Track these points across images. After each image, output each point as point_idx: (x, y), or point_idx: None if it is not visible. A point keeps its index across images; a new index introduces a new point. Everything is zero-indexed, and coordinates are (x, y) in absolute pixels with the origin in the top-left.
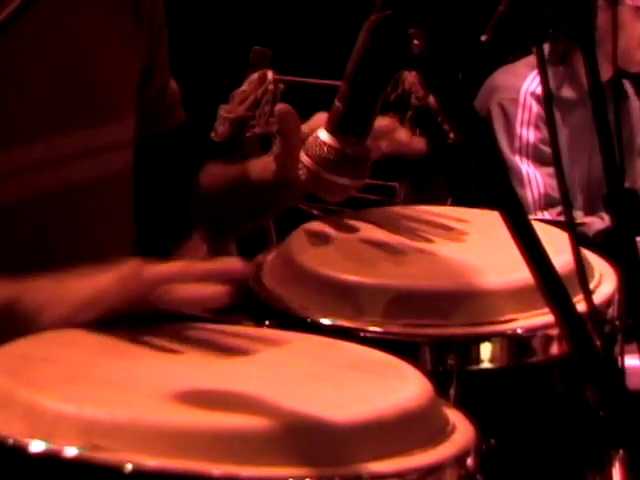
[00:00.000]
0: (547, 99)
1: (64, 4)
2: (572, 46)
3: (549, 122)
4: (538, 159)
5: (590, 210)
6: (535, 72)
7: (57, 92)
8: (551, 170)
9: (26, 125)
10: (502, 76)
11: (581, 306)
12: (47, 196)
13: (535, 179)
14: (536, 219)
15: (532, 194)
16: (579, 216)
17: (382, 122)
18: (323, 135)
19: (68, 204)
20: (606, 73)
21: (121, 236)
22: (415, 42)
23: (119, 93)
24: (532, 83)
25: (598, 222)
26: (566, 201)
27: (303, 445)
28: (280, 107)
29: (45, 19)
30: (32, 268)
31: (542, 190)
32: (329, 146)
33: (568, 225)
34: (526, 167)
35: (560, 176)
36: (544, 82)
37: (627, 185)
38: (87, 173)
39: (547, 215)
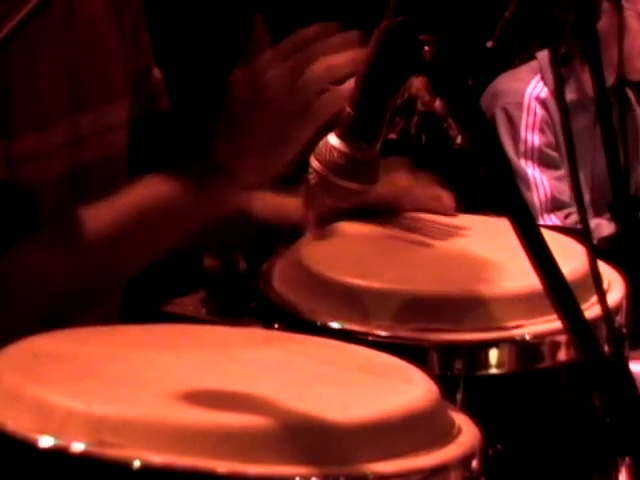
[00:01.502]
0: (561, 101)
1: None
2: (573, 49)
3: (564, 124)
4: (543, 163)
5: (594, 212)
6: (539, 76)
7: (70, 75)
8: (557, 173)
9: (45, 108)
10: (506, 81)
11: (589, 313)
12: (63, 178)
13: (542, 182)
14: (546, 226)
15: (539, 197)
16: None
17: (400, 181)
18: (333, 140)
19: (81, 184)
20: (608, 79)
21: None
22: (426, 48)
23: (112, 77)
24: (536, 87)
25: (604, 225)
26: (581, 207)
27: (309, 444)
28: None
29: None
30: None
31: (549, 193)
32: (339, 151)
33: (583, 231)
34: (532, 171)
35: (575, 180)
36: (557, 84)
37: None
38: (97, 152)
39: (554, 218)
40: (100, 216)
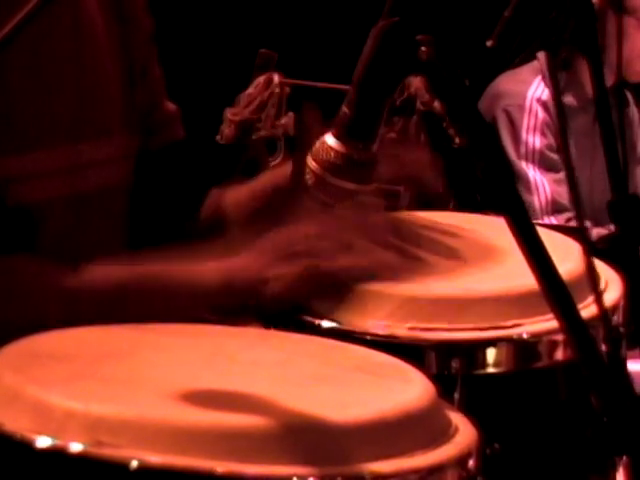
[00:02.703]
0: (558, 105)
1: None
2: (575, 53)
3: (560, 128)
4: (544, 165)
5: (592, 216)
6: (540, 78)
7: (75, 102)
8: (557, 176)
9: (47, 128)
10: (507, 82)
11: (586, 312)
12: (64, 200)
13: (542, 185)
14: (544, 225)
15: (539, 200)
16: (588, 226)
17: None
18: (330, 140)
19: (81, 210)
20: (607, 81)
21: (112, 247)
22: (423, 48)
23: (114, 108)
24: (537, 89)
25: (602, 231)
26: (577, 206)
27: (306, 444)
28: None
29: (59, 35)
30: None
31: (549, 196)
32: (336, 151)
33: (579, 230)
34: (532, 173)
35: (571, 182)
36: (554, 88)
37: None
38: (96, 182)
39: (554, 221)
40: (104, 273)
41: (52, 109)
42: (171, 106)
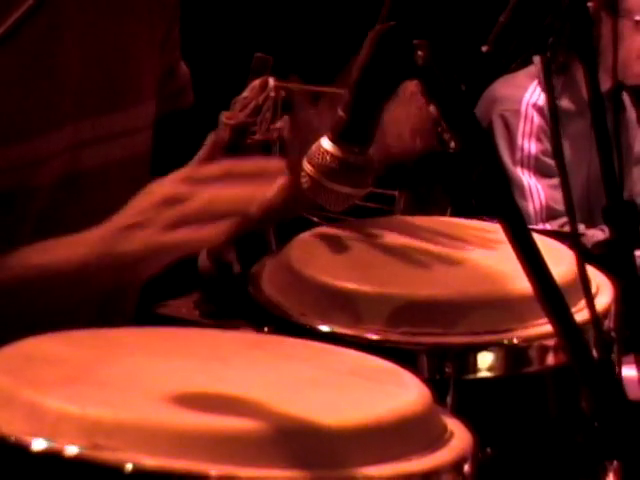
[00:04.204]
0: (552, 111)
1: None
2: (572, 57)
3: (554, 134)
4: (540, 171)
5: (589, 220)
6: (536, 83)
7: (86, 78)
8: (552, 182)
9: (59, 109)
10: (503, 87)
11: (578, 317)
12: (70, 179)
13: (537, 191)
14: (537, 230)
15: (534, 206)
16: (581, 229)
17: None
18: (326, 144)
19: (88, 187)
20: (604, 84)
21: None
22: (419, 53)
23: (142, 77)
24: (533, 94)
25: (599, 234)
26: (570, 212)
27: (301, 448)
28: (298, 115)
29: (72, 7)
30: None
31: (544, 202)
32: (331, 155)
33: (572, 236)
34: (527, 179)
35: (565, 187)
36: (549, 94)
37: (625, 195)
38: (108, 156)
39: (548, 227)
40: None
41: (53, 88)
42: (184, 69)
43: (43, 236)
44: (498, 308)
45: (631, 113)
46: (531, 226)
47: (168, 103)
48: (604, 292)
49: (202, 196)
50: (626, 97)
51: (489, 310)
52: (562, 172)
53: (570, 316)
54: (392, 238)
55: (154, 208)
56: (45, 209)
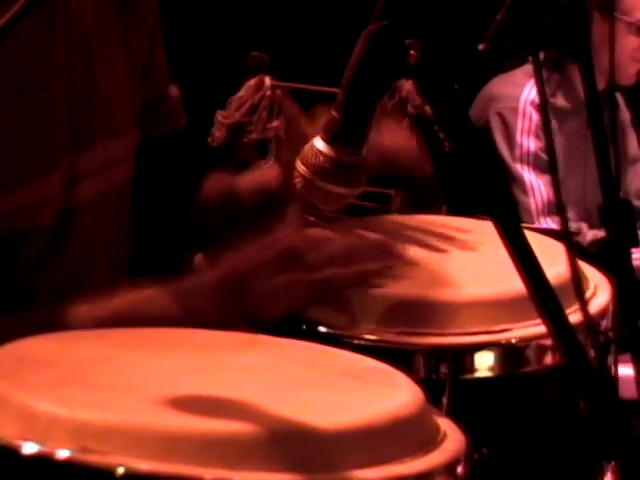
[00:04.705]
0: (543, 109)
1: (70, 14)
2: (566, 55)
3: (546, 131)
4: (539, 167)
5: (585, 217)
6: (533, 81)
7: (71, 110)
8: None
9: (53, 144)
10: (500, 85)
11: (574, 317)
12: (66, 215)
13: (538, 187)
14: (533, 228)
15: (535, 202)
16: (584, 228)
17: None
18: (319, 144)
19: (82, 222)
20: (598, 84)
21: (118, 250)
22: (412, 52)
23: (121, 107)
24: (531, 92)
25: (601, 234)
26: (561, 211)
27: (294, 450)
28: (289, 111)
29: (55, 42)
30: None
31: (545, 198)
32: (325, 155)
33: (564, 235)
34: (528, 175)
35: (556, 185)
36: (540, 92)
37: (620, 195)
38: (96, 189)
39: (550, 222)
40: (82, 315)
41: (42, 129)
42: (174, 92)
43: (41, 276)
44: (495, 308)
45: (624, 114)
46: (532, 222)
47: (158, 127)
48: (602, 291)
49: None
50: (619, 98)
51: (485, 310)
52: (553, 171)
53: (564, 316)
54: (388, 238)
55: (272, 259)
56: (44, 249)
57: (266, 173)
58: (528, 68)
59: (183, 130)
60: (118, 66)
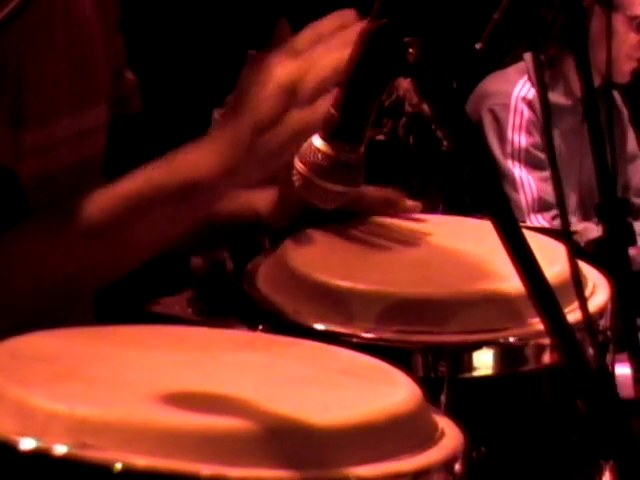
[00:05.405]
0: (544, 106)
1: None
2: (562, 51)
3: (546, 129)
4: (530, 163)
5: (582, 214)
6: (526, 77)
7: (56, 76)
8: (543, 174)
9: (54, 102)
10: (493, 82)
11: (573, 316)
12: (60, 171)
13: (528, 183)
14: (532, 227)
15: (525, 198)
16: (573, 221)
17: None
18: (317, 142)
19: (60, 189)
20: (595, 82)
21: None
22: (410, 50)
23: (100, 77)
24: (523, 88)
25: (592, 228)
26: (562, 210)
27: (291, 447)
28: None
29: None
30: None
31: (535, 194)
32: (323, 153)
33: (564, 234)
34: (518, 171)
35: (557, 183)
36: (541, 90)
37: (618, 192)
38: (75, 155)
39: (540, 218)
40: (95, 202)
41: (57, 81)
42: (130, 77)
43: None
44: (493, 306)
45: (621, 111)
46: (522, 218)
47: (115, 108)
48: (600, 291)
49: (315, 69)
50: (617, 95)
51: (484, 308)
52: (553, 166)
53: (562, 316)
54: (386, 236)
55: (278, 101)
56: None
57: (256, 196)
58: (521, 65)
59: (137, 115)
60: (98, 39)
